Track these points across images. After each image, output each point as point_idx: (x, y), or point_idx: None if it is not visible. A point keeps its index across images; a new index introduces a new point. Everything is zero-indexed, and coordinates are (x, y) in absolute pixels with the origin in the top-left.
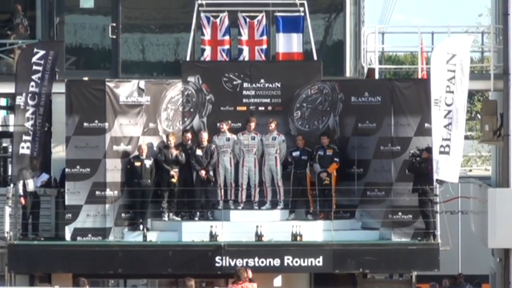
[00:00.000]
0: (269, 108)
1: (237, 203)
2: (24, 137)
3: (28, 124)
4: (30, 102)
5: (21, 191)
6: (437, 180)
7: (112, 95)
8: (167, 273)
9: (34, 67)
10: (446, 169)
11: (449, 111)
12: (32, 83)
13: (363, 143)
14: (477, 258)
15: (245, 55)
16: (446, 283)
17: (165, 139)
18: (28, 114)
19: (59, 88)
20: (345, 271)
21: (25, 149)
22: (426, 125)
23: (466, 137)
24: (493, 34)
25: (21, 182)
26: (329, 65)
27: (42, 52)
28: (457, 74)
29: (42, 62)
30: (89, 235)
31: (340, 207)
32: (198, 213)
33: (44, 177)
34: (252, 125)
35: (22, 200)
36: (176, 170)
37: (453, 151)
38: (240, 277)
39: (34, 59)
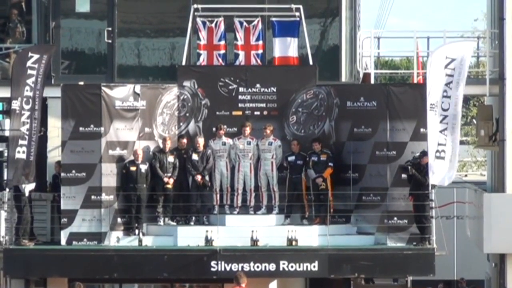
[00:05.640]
0: (265, 112)
1: (233, 208)
2: (20, 142)
3: (24, 129)
4: (25, 107)
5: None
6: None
7: (108, 100)
8: (163, 278)
9: (29, 71)
10: (440, 174)
11: (445, 116)
12: (27, 87)
13: (359, 148)
14: (473, 263)
15: (241, 59)
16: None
17: (160, 144)
18: (23, 119)
19: (54, 92)
20: (340, 276)
21: (20, 153)
22: (422, 130)
23: (462, 142)
24: (489, 39)
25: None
26: (324, 69)
27: (36, 56)
28: (454, 79)
29: (36, 66)
30: (85, 239)
31: (336, 212)
32: (193, 218)
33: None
34: (247, 130)
35: None
36: (170, 175)
37: (449, 156)
38: (239, 281)
39: (29, 63)
